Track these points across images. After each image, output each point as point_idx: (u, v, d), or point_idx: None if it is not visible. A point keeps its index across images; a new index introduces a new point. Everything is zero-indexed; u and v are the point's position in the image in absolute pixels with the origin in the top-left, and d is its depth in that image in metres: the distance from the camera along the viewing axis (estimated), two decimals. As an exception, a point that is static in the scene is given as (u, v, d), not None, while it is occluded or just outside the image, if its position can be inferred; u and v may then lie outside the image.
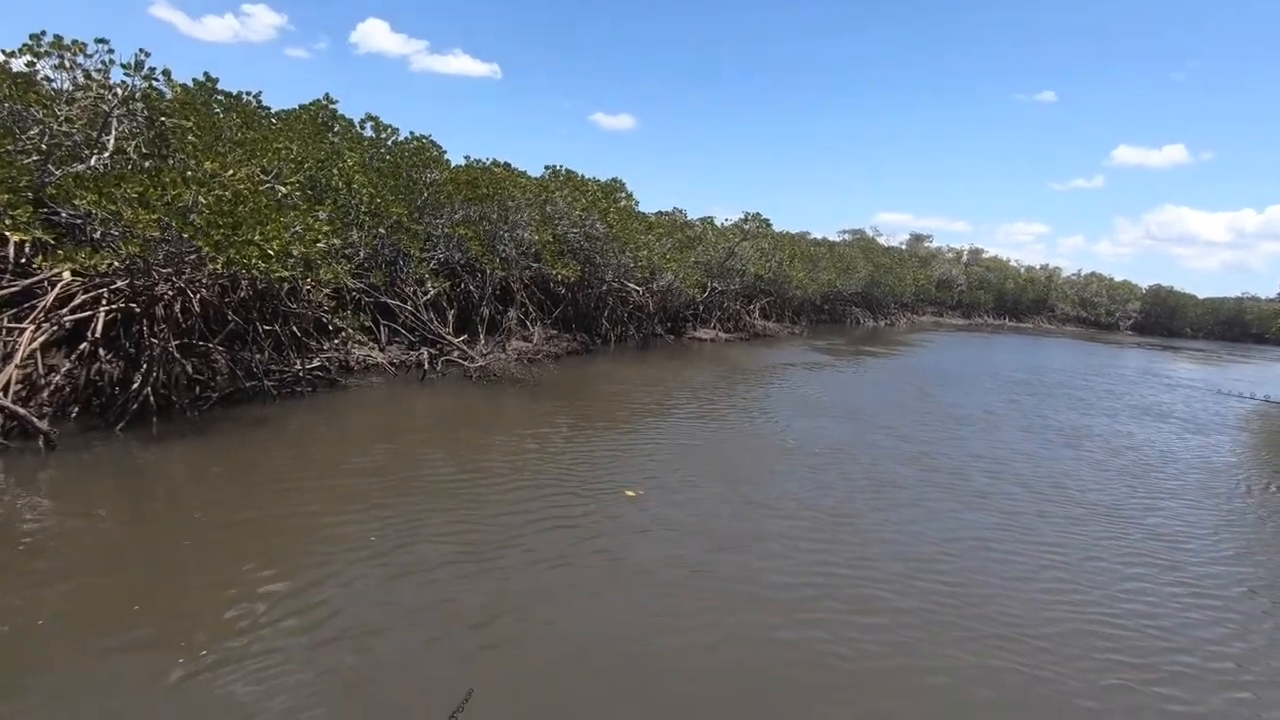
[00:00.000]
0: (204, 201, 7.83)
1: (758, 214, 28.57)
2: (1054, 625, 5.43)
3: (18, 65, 9.59)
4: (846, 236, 58.49)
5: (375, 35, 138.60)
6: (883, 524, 7.31)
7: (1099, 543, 7.38)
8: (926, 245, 62.42)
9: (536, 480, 7.71)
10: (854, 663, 4.64)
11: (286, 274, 8.85)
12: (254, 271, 8.25)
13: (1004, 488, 9.16)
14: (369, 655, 4.16)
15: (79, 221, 9.30)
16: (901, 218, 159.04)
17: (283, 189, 9.95)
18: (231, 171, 8.43)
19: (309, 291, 10.52)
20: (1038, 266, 70.65)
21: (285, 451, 8.15)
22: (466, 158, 18.58)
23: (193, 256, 8.42)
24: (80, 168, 8.95)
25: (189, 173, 8.09)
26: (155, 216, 7.67)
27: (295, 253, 9.03)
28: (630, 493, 7.38)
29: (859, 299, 44.95)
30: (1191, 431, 14.74)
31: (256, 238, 8.05)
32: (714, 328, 27.70)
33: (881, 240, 57.30)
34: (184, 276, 8.88)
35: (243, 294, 10.55)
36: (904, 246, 60.42)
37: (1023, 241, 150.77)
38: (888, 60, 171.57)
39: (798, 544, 6.52)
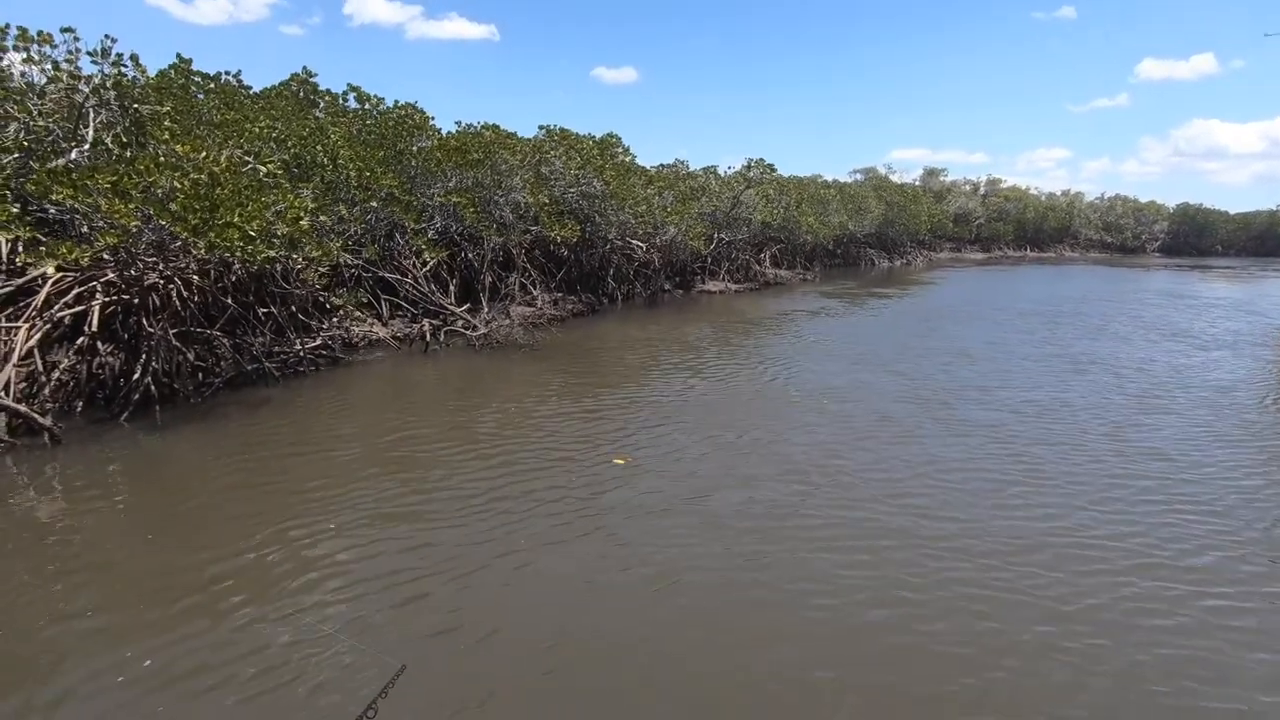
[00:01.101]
0: (179, 186, 7.76)
1: (761, 159, 27.86)
2: (1022, 544, 5.44)
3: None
4: (858, 176, 56.99)
5: (369, 4, 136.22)
6: (870, 461, 7.22)
7: (1087, 463, 7.31)
8: (941, 179, 60.67)
9: (521, 446, 7.64)
10: (813, 593, 4.62)
11: (272, 254, 8.81)
12: (237, 254, 8.22)
13: (996, 415, 9.08)
14: (310, 634, 4.19)
15: (66, 217, 9.33)
16: (917, 153, 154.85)
17: (264, 168, 9.84)
18: (205, 154, 8.33)
19: (300, 271, 10.50)
20: (1059, 193, 68.49)
21: (281, 431, 8.22)
22: (458, 123, 18.28)
23: (177, 244, 8.41)
24: (60, 162, 8.92)
25: (162, 158, 7.99)
26: (133, 205, 7.64)
27: (280, 232, 8.98)
28: (619, 459, 7.14)
29: (873, 240, 44.01)
30: (1200, 349, 14.35)
31: (236, 219, 7.99)
32: (723, 279, 27.36)
33: (894, 178, 55.70)
34: (171, 264, 8.88)
35: (235, 278, 10.55)
36: (918, 183, 58.75)
37: (1044, 168, 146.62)
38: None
39: (774, 485, 6.47)
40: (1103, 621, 4.46)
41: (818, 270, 35.61)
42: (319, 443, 7.78)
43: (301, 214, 9.06)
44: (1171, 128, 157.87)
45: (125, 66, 9.36)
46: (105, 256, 8.78)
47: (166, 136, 8.47)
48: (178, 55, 13.99)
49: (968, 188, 61.90)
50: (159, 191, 7.90)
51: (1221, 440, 8.22)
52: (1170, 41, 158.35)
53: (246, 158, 10.30)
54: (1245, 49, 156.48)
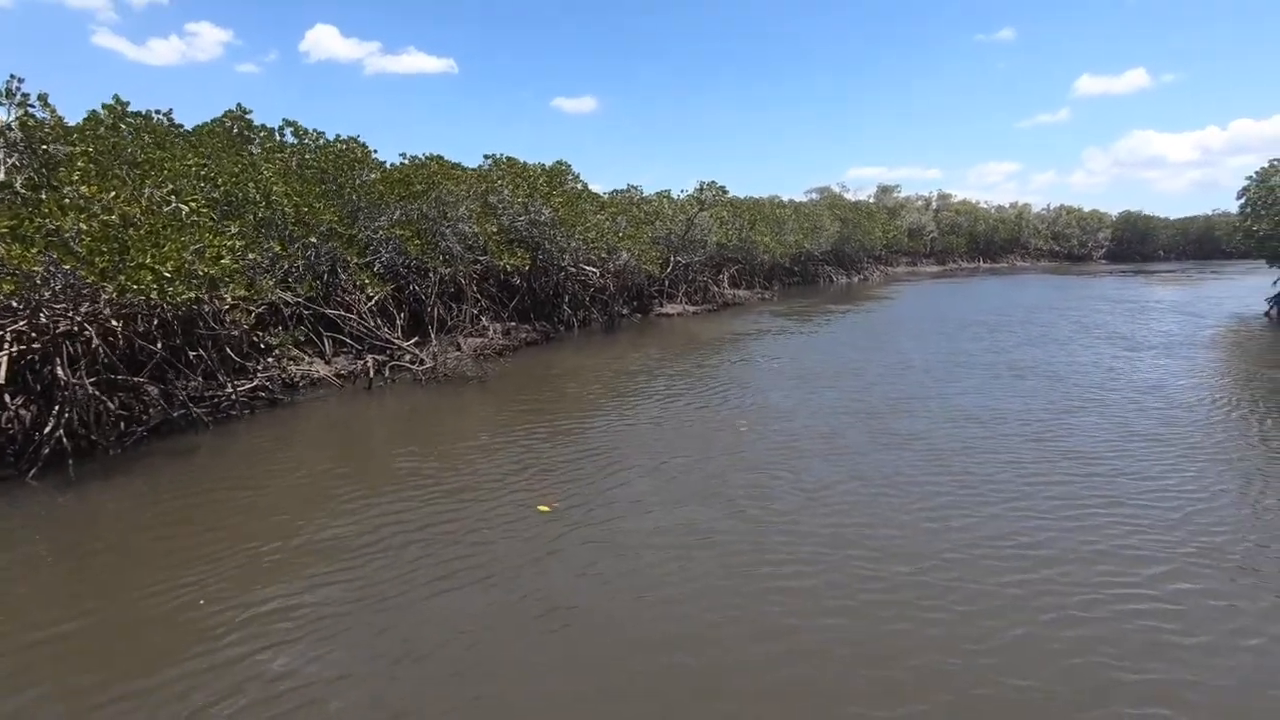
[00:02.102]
0: (85, 228, 7.46)
1: (713, 182, 28.19)
2: (932, 548, 5.44)
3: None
4: (814, 195, 58.02)
5: (325, 42, 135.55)
6: (796, 478, 7.16)
7: (1008, 466, 7.44)
8: (894, 196, 62.08)
9: (442, 488, 7.27)
10: (720, 624, 4.49)
11: (192, 295, 8.52)
12: (153, 296, 7.91)
13: (929, 426, 9.18)
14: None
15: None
16: (874, 171, 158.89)
17: (185, 207, 9.56)
18: (114, 194, 8.04)
19: (228, 311, 10.17)
20: (1008, 205, 70.62)
21: (195, 481, 7.81)
22: (402, 155, 18.15)
23: (87, 289, 8.07)
24: (-35, 208, 8.53)
25: (69, 200, 7.69)
26: (36, 250, 7.31)
27: (200, 272, 8.69)
28: (544, 506, 6.59)
29: (830, 257, 44.66)
30: (1135, 351, 14.75)
31: (148, 260, 7.70)
32: (681, 302, 27.44)
33: (849, 196, 56.90)
34: (83, 309, 8.51)
35: (158, 321, 10.18)
36: (872, 200, 60.07)
37: (995, 182, 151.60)
38: (848, 14, 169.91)
39: (699, 510, 6.35)
40: (1006, 618, 4.42)
41: (776, 289, 36.00)
42: (231, 493, 7.40)
43: (223, 252, 8.79)
44: (1112, 140, 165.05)
45: (33, 107, 9.06)
46: (14, 304, 8.39)
47: (76, 177, 8.17)
48: (115, 96, 13.67)
49: (919, 203, 63.46)
50: (67, 235, 7.59)
51: (1140, 438, 8.45)
52: (1104, 58, 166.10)
53: (170, 197, 10.01)
54: (1175, 64, 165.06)
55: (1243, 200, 23.61)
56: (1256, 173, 23.11)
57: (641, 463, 8.02)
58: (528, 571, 5.37)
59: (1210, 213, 72.62)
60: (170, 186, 10.42)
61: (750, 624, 4.59)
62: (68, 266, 7.31)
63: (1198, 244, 70.60)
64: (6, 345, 8.76)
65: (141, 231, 8.28)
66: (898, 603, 4.76)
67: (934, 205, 65.06)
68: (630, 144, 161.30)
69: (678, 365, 14.75)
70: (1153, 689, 3.86)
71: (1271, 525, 5.94)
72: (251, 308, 11.18)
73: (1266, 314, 21.59)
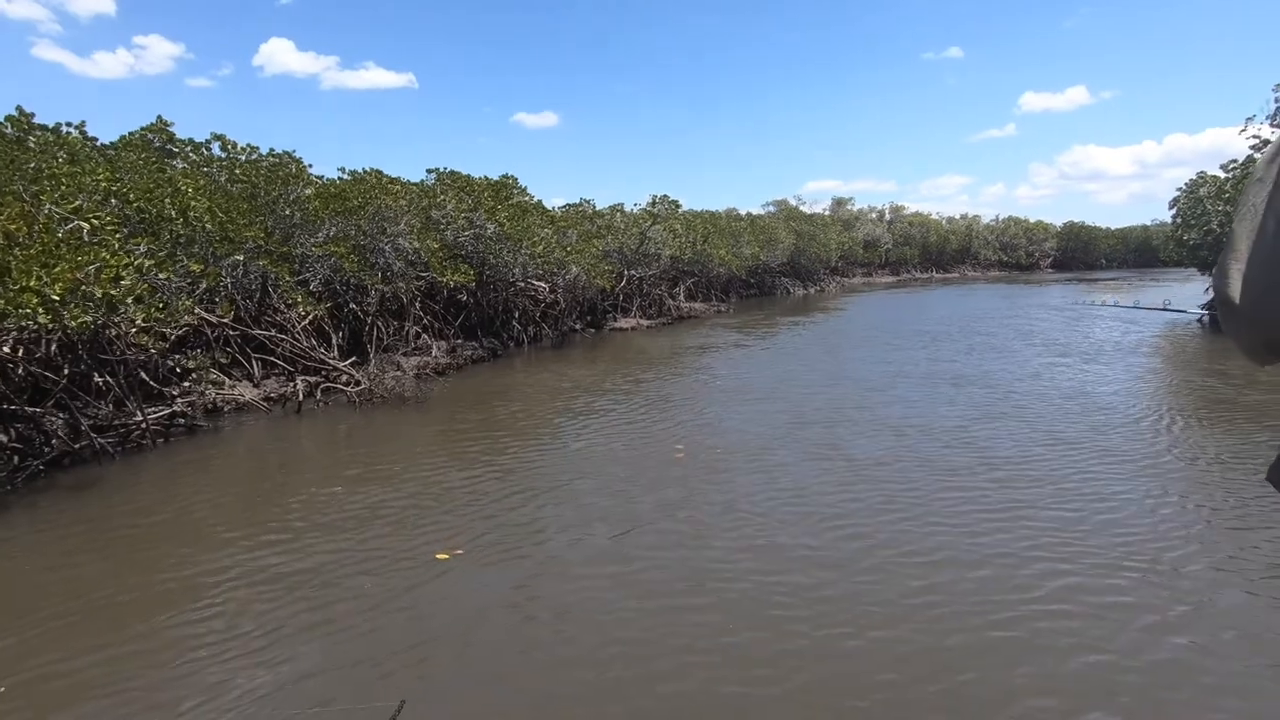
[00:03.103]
0: (-41, 250, 6.94)
1: (665, 195, 28.22)
2: (840, 562, 5.29)
3: None
4: (771, 208, 58.71)
5: (280, 55, 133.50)
6: (715, 496, 6.98)
7: (931, 478, 7.43)
8: (849, 208, 63.24)
9: (326, 531, 6.62)
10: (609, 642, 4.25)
11: (89, 319, 8.00)
12: (40, 320, 7.39)
13: (855, 437, 9.21)
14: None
15: None
16: (831, 184, 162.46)
17: (86, 225, 9.03)
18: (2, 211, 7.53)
19: (136, 334, 9.60)
20: (958, 217, 72.50)
21: (81, 521, 7.24)
22: (341, 169, 17.69)
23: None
24: None
25: (-58, 219, 7.16)
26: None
27: (98, 293, 8.18)
28: (442, 554, 5.92)
29: (786, 269, 45.11)
30: (1067, 358, 15.06)
31: (33, 282, 7.20)
32: (635, 316, 27.30)
33: (804, 208, 57.74)
34: (-34, 336, 7.93)
35: (56, 346, 9.58)
36: (827, 212, 61.05)
37: (947, 194, 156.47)
38: (804, 34, 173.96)
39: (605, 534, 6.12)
40: (908, 629, 4.27)
41: (733, 301, 36.14)
42: (117, 529, 6.87)
43: (124, 272, 8.30)
44: (1056, 153, 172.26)
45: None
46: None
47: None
48: (18, 108, 13.00)
49: (874, 215, 64.73)
50: (-59, 256, 7.05)
51: (1063, 444, 8.55)
52: (1046, 76, 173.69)
53: (71, 214, 9.45)
54: (1113, 82, 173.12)
55: (1174, 211, 24.49)
56: (1186, 184, 24.02)
57: (562, 485, 7.73)
58: (403, 614, 5.01)
59: (1148, 223, 75.70)
60: (75, 203, 9.87)
61: (650, 645, 4.38)
62: (-63, 290, 6.78)
63: (1137, 253, 73.45)
64: (-119, 375, 8.12)
65: (32, 251, 7.76)
66: (801, 619, 4.64)
67: (888, 217, 66.45)
68: (592, 159, 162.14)
69: (621, 381, 14.52)
70: (1037, 693, 3.81)
71: (1166, 529, 5.97)
72: (166, 330, 10.60)
73: (1198, 320, 22.36)
